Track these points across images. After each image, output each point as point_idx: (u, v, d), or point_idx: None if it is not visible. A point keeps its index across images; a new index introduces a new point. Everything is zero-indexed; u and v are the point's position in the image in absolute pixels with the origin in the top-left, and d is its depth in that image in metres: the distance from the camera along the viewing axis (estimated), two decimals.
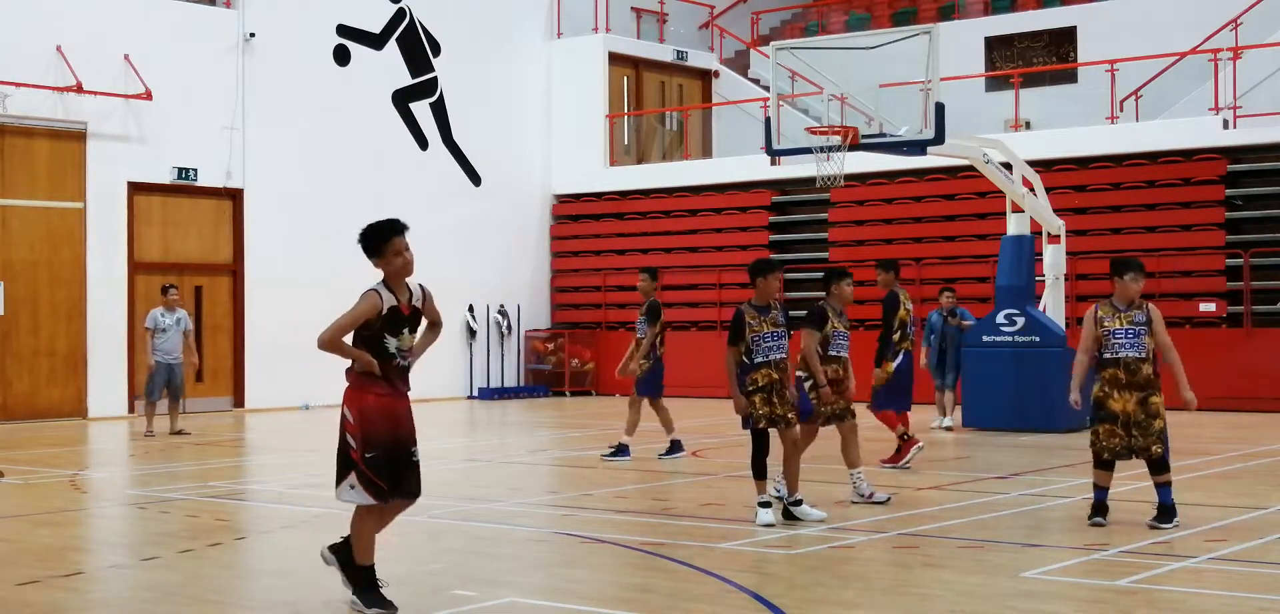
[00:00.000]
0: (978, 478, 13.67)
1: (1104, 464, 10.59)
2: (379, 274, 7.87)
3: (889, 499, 11.79)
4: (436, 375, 26.50)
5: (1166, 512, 10.38)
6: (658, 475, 14.10)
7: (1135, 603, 7.93)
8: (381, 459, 7.52)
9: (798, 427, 10.99)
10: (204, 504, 12.57)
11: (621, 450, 15.22)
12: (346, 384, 7.65)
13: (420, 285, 7.87)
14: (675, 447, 15.42)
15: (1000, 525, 10.73)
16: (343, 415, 7.60)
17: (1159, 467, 10.45)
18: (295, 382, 24.41)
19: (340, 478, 7.56)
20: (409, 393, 7.79)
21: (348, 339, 7.64)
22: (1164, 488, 10.44)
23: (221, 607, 8.30)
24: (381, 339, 7.65)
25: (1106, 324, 10.41)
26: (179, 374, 19.15)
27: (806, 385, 11.77)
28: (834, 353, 11.77)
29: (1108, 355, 10.40)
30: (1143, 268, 10.59)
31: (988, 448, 16.43)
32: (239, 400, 24.41)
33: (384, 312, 7.62)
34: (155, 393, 19.09)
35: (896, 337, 14.68)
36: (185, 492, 13.52)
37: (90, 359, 22.63)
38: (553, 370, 28.43)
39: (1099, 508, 10.59)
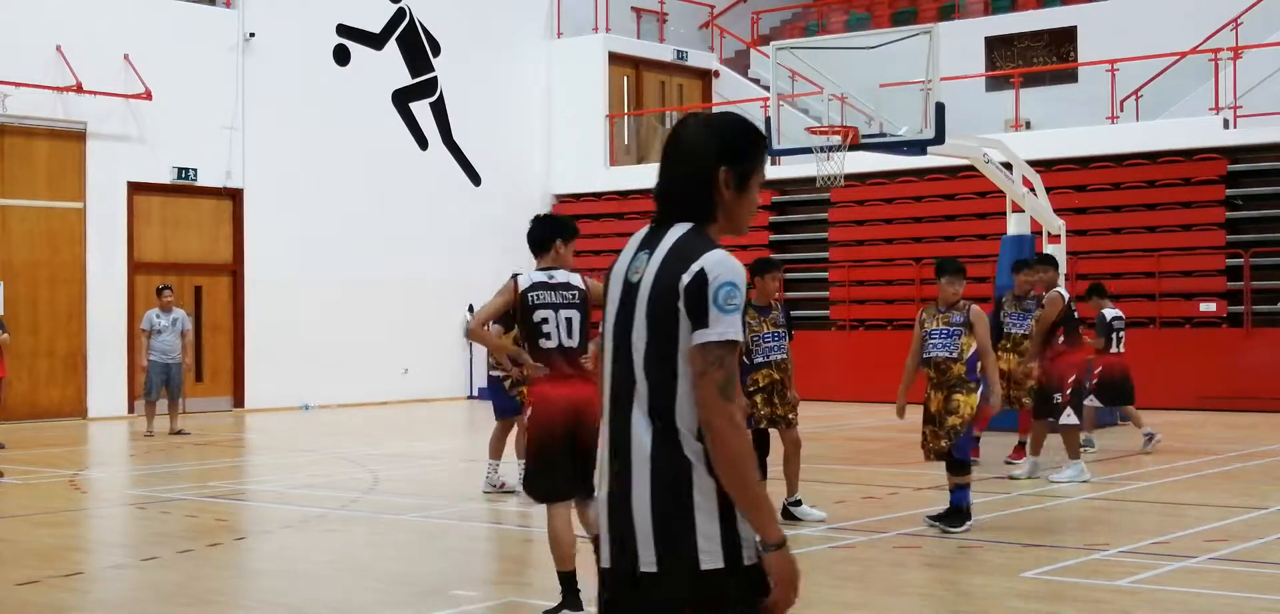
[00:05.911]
0: (978, 478, 13.65)
1: (939, 463, 10.48)
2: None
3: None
4: (437, 375, 26.51)
5: (953, 513, 10.22)
6: None
7: (1135, 603, 7.93)
8: None
9: (799, 427, 11.01)
10: (204, 504, 12.57)
11: None
12: None
13: None
14: None
15: (1000, 525, 10.73)
16: None
17: (953, 467, 10.30)
18: (295, 382, 24.43)
19: None
20: None
21: None
22: (956, 489, 10.29)
23: (221, 607, 8.31)
24: None
25: (926, 326, 10.44)
26: (177, 374, 19.15)
27: (505, 383, 11.99)
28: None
29: (925, 357, 10.41)
30: (960, 271, 10.52)
31: (988, 448, 16.40)
32: (239, 400, 24.40)
33: None
34: (152, 392, 19.10)
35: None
36: (185, 492, 13.51)
37: (90, 359, 22.61)
38: None
39: (949, 512, 10.34)
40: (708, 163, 3.51)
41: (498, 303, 7.76)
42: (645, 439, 3.44)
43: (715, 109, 31.07)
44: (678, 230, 3.49)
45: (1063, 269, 19.66)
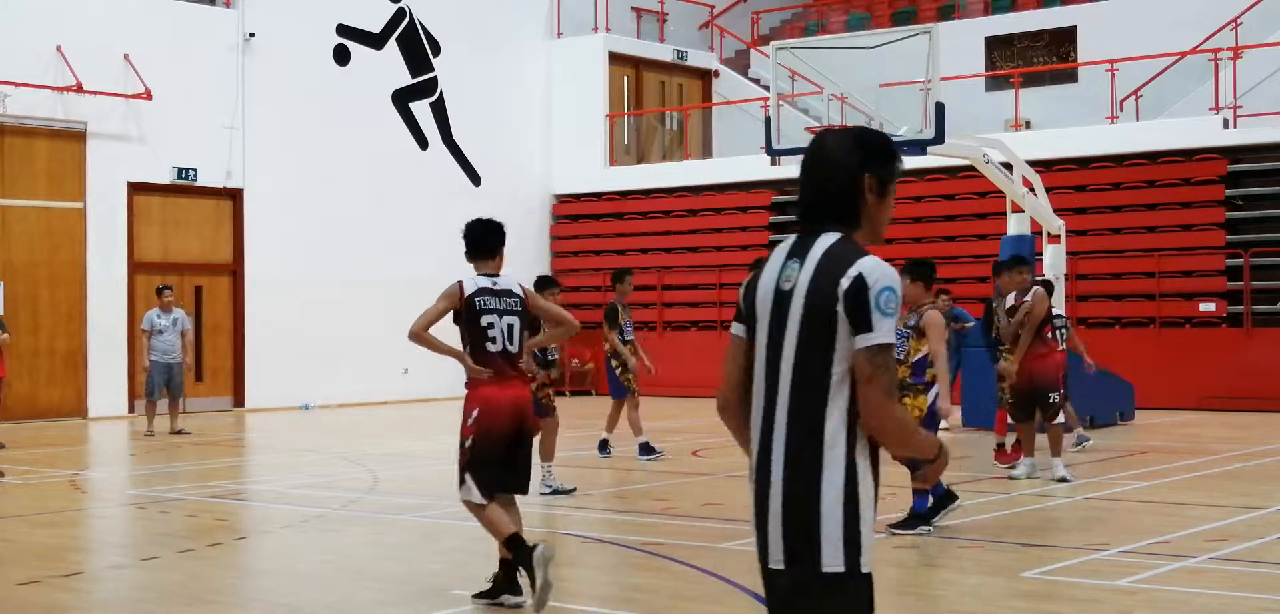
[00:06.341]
0: (978, 478, 13.66)
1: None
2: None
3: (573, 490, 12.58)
4: (437, 376, 26.47)
5: (911, 517, 10.17)
6: (658, 475, 14.10)
7: (1135, 603, 7.93)
8: None
9: None
10: (204, 504, 12.57)
11: (645, 450, 15.25)
12: None
13: None
14: (603, 446, 15.74)
15: (1000, 525, 10.73)
16: None
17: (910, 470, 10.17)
18: (295, 382, 24.43)
19: None
20: None
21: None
22: (916, 494, 10.22)
23: (221, 607, 8.31)
24: None
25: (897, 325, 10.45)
26: (178, 374, 19.15)
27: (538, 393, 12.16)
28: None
29: None
30: (921, 272, 10.40)
31: (988, 448, 16.42)
32: (239, 400, 24.40)
33: None
34: (154, 393, 19.11)
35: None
36: (185, 492, 13.51)
37: (90, 359, 22.61)
38: None
39: (935, 504, 10.35)
40: (853, 170, 3.67)
41: (440, 307, 7.92)
42: (788, 441, 3.60)
43: (715, 109, 31.13)
44: (828, 238, 3.63)
45: (1062, 270, 19.74)
